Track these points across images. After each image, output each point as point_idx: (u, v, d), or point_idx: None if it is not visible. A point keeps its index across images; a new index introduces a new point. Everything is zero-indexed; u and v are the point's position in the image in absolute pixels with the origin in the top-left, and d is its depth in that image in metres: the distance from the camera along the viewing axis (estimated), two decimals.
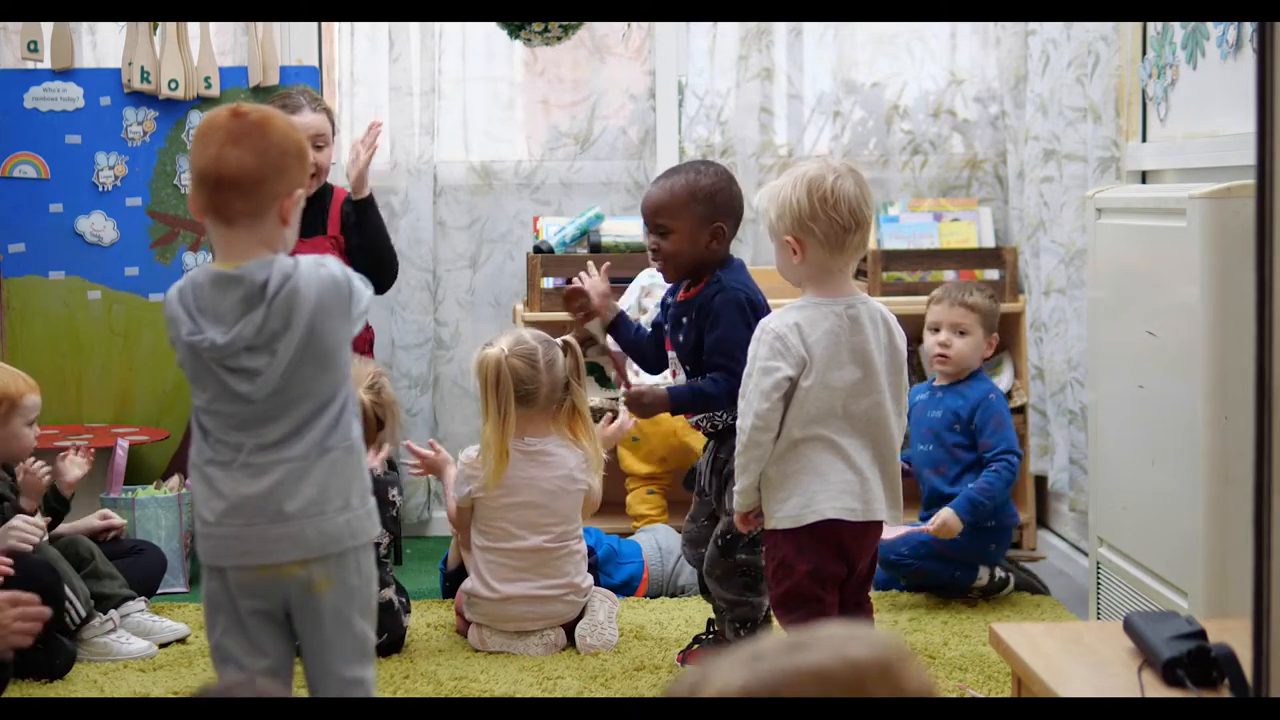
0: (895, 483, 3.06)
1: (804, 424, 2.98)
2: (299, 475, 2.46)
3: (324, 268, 2.47)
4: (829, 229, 2.97)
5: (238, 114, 2.47)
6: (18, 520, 3.69)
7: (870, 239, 3.06)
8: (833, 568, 3.05)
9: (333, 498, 2.48)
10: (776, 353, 2.96)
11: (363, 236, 4.52)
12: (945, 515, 4.04)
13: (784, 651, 1.33)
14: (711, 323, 3.35)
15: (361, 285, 2.52)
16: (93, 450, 4.12)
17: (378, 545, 3.73)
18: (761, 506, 3.06)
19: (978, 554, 4.13)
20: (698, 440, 4.62)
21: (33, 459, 3.88)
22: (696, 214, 3.38)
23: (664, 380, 3.75)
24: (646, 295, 4.56)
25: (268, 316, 2.42)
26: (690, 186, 3.40)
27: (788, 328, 2.97)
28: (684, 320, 3.44)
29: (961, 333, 4.22)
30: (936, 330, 4.25)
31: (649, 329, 3.65)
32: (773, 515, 3.04)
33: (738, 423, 3.04)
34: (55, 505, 3.95)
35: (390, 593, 3.77)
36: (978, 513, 4.05)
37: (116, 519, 4.13)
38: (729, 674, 1.32)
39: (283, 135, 2.48)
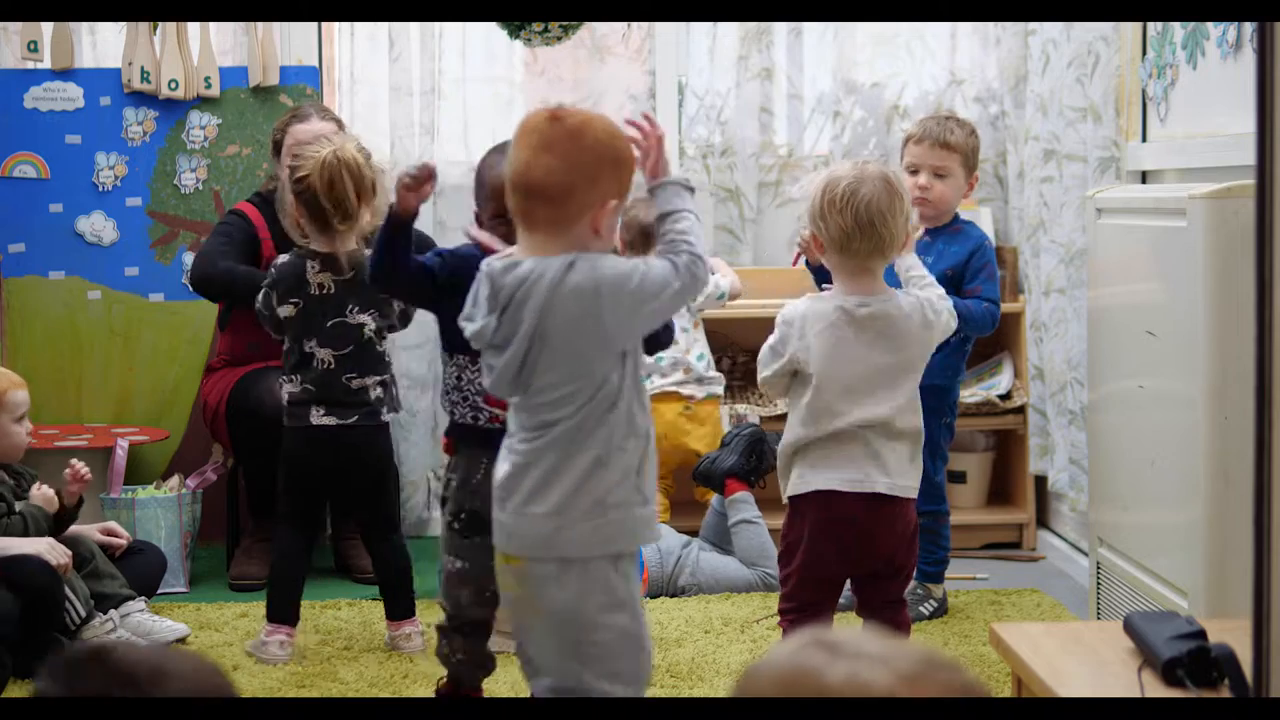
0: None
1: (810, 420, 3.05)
2: (550, 468, 2.41)
3: (583, 265, 2.36)
4: (835, 229, 3.05)
5: (555, 118, 2.38)
6: (46, 544, 3.68)
7: (891, 246, 3.07)
8: None
9: (579, 502, 2.40)
10: (778, 338, 3.10)
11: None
12: None
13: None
14: None
15: (659, 275, 2.37)
16: (85, 473, 3.91)
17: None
18: None
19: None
20: (695, 440, 4.61)
21: (78, 461, 3.88)
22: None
23: None
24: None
25: (501, 320, 2.39)
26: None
27: (796, 315, 3.08)
28: None
29: (940, 175, 3.94)
30: (915, 172, 3.95)
31: None
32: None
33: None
34: (57, 525, 3.88)
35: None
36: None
37: (119, 537, 4.00)
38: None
39: (598, 142, 2.38)
